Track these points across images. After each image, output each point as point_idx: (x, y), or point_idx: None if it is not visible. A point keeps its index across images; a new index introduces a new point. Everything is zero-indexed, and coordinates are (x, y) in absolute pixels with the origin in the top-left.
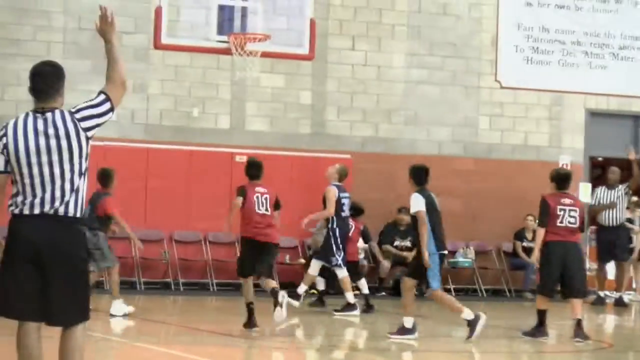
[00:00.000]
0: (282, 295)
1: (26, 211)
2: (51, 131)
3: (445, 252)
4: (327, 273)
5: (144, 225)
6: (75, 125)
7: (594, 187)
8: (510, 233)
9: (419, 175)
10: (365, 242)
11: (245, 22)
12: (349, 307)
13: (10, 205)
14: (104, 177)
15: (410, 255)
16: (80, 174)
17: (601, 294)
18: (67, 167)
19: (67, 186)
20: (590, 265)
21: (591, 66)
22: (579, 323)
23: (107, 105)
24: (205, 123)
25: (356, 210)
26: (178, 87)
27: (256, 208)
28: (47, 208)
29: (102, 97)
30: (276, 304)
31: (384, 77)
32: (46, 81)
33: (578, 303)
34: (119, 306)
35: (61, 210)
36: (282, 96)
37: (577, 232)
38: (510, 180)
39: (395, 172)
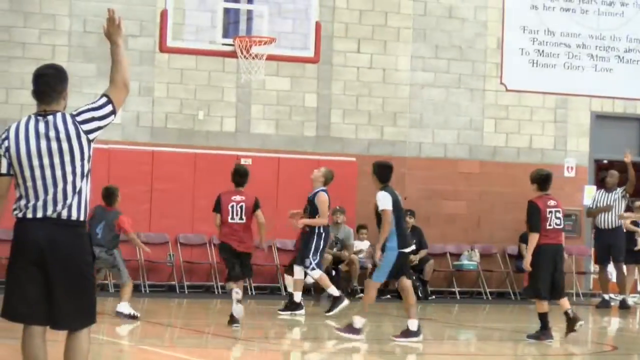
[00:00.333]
0: (236, 292)
1: (29, 215)
2: (52, 134)
3: (406, 250)
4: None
5: (149, 228)
6: (76, 127)
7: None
8: (515, 236)
9: (384, 173)
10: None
11: (251, 25)
12: (296, 306)
13: (15, 209)
14: (109, 196)
15: (415, 259)
16: (82, 176)
17: (606, 296)
18: (68, 169)
19: (69, 188)
20: (594, 268)
21: (596, 69)
22: (569, 313)
23: (108, 108)
24: (211, 126)
25: None
26: (183, 90)
27: (229, 218)
28: (50, 211)
29: (104, 99)
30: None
31: (389, 80)
32: (49, 84)
33: (565, 300)
34: (126, 306)
35: (64, 214)
36: (288, 99)
37: (562, 234)
38: (515, 183)
39: (401, 176)
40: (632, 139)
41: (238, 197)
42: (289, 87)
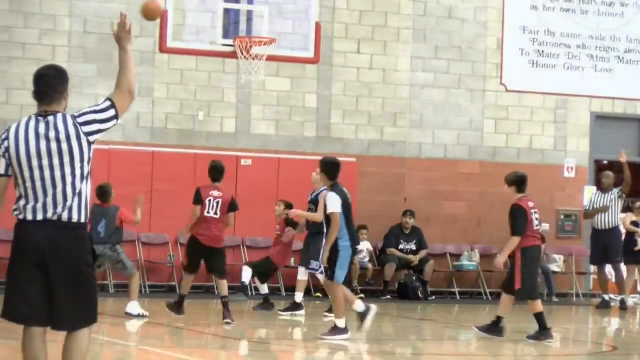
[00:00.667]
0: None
1: (29, 216)
2: (52, 134)
3: (358, 246)
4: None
5: (149, 228)
6: (76, 128)
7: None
8: None
9: (332, 169)
10: None
11: (251, 25)
12: (296, 306)
13: (15, 209)
14: (103, 193)
15: (415, 259)
16: (82, 177)
17: (605, 297)
18: (67, 170)
19: (69, 190)
20: (593, 268)
21: (596, 69)
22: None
23: (111, 112)
24: (211, 126)
25: None
26: (183, 90)
27: (205, 211)
28: (50, 214)
29: (108, 103)
30: (225, 315)
31: (389, 81)
32: (50, 84)
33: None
34: (134, 306)
35: (64, 216)
36: (288, 99)
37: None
38: None
39: (401, 176)
40: (632, 139)
41: (216, 193)
42: (289, 87)
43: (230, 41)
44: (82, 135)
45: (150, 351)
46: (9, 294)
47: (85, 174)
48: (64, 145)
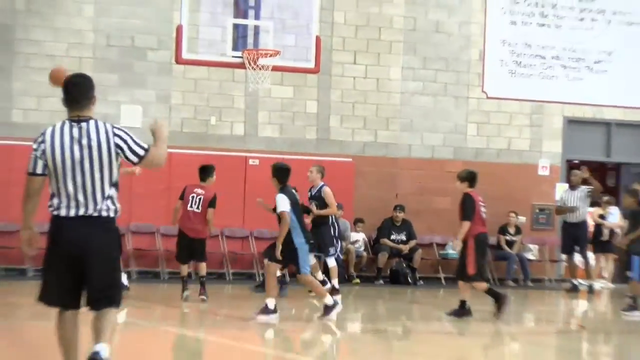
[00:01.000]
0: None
1: (62, 213)
2: (85, 141)
3: (311, 241)
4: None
5: (168, 221)
6: (107, 137)
7: None
8: (494, 228)
9: (282, 175)
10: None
11: (258, 39)
12: (335, 291)
13: (50, 206)
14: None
15: (405, 248)
16: (111, 184)
17: (575, 282)
18: (97, 176)
19: (99, 195)
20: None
21: (569, 78)
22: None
23: (142, 151)
24: (222, 130)
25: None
26: (197, 97)
27: (188, 206)
28: (82, 211)
29: (146, 145)
30: (201, 292)
31: (382, 89)
32: (80, 91)
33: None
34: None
35: (95, 213)
36: (291, 106)
37: None
38: (495, 180)
39: (393, 174)
40: (600, 142)
41: (199, 190)
42: (292, 95)
43: (239, 53)
44: (112, 145)
45: (171, 332)
46: (45, 281)
47: (114, 180)
48: (95, 153)
